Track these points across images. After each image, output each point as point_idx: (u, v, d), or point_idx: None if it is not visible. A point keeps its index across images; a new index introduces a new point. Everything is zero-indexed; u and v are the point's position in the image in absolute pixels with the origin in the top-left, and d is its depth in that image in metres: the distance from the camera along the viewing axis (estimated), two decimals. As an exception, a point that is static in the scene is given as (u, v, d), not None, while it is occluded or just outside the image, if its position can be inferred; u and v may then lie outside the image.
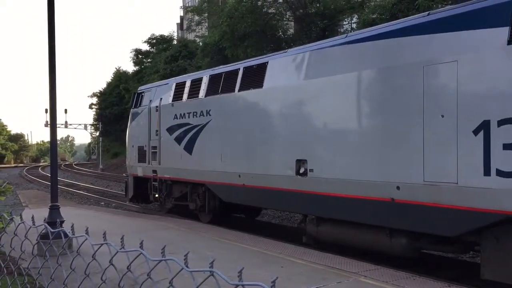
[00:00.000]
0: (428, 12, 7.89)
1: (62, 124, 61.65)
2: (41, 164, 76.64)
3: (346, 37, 9.10)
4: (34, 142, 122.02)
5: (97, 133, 61.21)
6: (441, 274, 8.07)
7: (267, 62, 10.54)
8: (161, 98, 14.22)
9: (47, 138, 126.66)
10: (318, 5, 23.29)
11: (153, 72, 36.21)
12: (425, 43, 7.34)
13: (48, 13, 8.67)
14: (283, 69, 10.12)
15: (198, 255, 7.73)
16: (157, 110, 14.27)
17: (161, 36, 43.37)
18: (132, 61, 46.75)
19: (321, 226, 9.18)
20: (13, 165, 77.10)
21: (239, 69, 11.30)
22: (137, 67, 46.89)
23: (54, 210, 8.51)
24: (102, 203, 19.37)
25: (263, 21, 23.22)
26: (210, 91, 12.11)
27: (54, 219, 8.21)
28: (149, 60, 44.62)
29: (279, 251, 8.55)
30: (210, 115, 12.01)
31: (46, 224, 2.93)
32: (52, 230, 2.83)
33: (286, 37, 24.91)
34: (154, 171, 14.31)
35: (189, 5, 48.70)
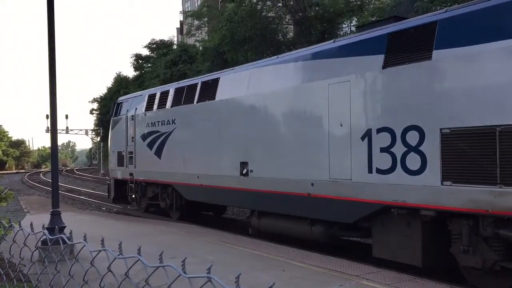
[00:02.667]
0: (334, 40, 9.70)
1: (63, 130, 61.76)
2: (42, 170, 76.68)
3: (277, 58, 10.73)
4: (35, 148, 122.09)
5: (98, 139, 61.25)
6: (442, 276, 8.05)
7: (219, 78, 12.14)
8: (136, 108, 15.87)
9: (48, 144, 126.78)
10: (317, 8, 23.33)
11: (154, 77, 36.25)
12: (330, 65, 9.00)
13: (48, 19, 8.69)
14: (230, 84, 11.69)
15: (199, 259, 7.72)
16: (132, 119, 15.92)
17: (161, 41, 43.44)
18: (132, 66, 46.81)
19: (262, 219, 10.70)
20: (15, 171, 77.12)
21: (198, 83, 12.96)
22: (137, 72, 46.93)
23: (55, 216, 8.50)
24: (104, 208, 19.36)
25: (263, 24, 23.25)
26: (175, 102, 13.72)
27: (55, 225, 8.20)
28: (149, 65, 44.66)
29: (281, 255, 8.54)
30: (175, 123, 13.64)
31: (45, 231, 2.93)
32: (50, 237, 2.82)
33: (285, 40, 24.94)
34: (131, 174, 15.87)
35: (189, 9, 48.81)
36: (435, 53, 7.16)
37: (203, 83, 12.71)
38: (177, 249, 8.69)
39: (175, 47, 42.42)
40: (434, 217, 7.09)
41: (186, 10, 51.53)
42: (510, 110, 6.16)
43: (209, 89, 12.30)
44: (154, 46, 43.46)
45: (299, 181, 9.30)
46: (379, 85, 7.95)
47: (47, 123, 47.48)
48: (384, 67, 7.84)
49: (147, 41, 55.00)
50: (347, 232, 9.25)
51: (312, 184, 9.01)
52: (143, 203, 15.87)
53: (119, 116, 17.09)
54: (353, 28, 23.27)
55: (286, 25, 25.83)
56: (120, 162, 16.66)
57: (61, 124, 63.49)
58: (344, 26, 24.02)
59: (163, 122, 14.20)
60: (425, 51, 7.32)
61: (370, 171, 7.94)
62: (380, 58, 7.95)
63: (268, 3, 24.72)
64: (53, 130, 8.96)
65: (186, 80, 14.92)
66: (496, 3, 6.64)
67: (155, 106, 14.77)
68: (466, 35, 6.90)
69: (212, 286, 1.56)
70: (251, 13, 22.77)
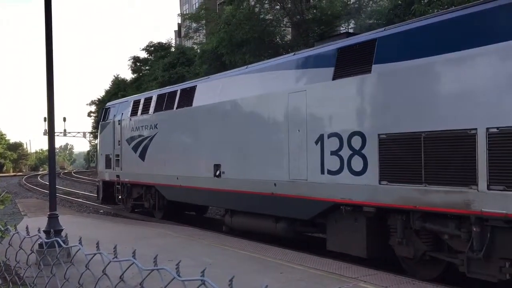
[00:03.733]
0: (294, 52, 10.74)
1: (60, 133, 61.72)
2: (40, 172, 76.50)
3: (246, 68, 11.67)
4: (33, 150, 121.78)
5: (96, 141, 61.19)
6: (440, 279, 8.05)
7: (196, 86, 13.06)
8: (122, 113, 16.84)
9: (46, 146, 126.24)
10: (315, 11, 23.35)
11: (152, 80, 36.18)
12: (289, 76, 9.90)
13: (46, 21, 8.69)
14: (206, 91, 12.59)
15: (196, 261, 7.72)
16: (119, 124, 16.88)
17: (159, 43, 43.38)
18: (130, 68, 46.73)
19: (234, 217, 11.52)
20: (12, 174, 76.92)
21: (178, 90, 13.91)
22: (135, 75, 46.86)
23: (53, 219, 8.49)
24: (101, 211, 19.33)
25: (261, 27, 23.27)
26: (157, 108, 14.66)
27: (52, 228, 8.19)
28: (147, 67, 44.59)
29: (278, 257, 8.54)
30: (157, 128, 14.56)
31: (39, 234, 2.92)
32: (46, 240, 2.82)
33: (283, 43, 24.96)
34: (118, 176, 16.82)
35: (187, 12, 48.85)
36: (374, 67, 8.03)
37: (182, 90, 13.66)
38: (175, 252, 8.68)
39: (173, 49, 42.39)
40: (375, 213, 7.95)
41: (184, 12, 51.55)
42: (431, 118, 7.07)
43: (187, 96, 13.22)
44: (152, 48, 43.40)
45: (264, 182, 10.17)
46: (329, 95, 8.86)
47: (45, 125, 47.40)
48: (333, 78, 8.76)
49: (145, 44, 54.97)
50: (306, 228, 10.00)
51: (275, 184, 9.89)
52: (129, 204, 16.77)
53: (107, 121, 18.02)
54: (350, 31, 23.31)
55: (284, 28, 25.85)
56: (108, 165, 17.55)
57: (58, 126, 63.28)
58: (341, 29, 24.05)
59: (146, 127, 15.15)
60: (366, 65, 8.18)
61: (322, 172, 8.85)
62: (330, 71, 8.86)
63: (266, 5, 24.74)
64: (50, 133, 8.95)
65: (167, 87, 15.97)
66: (417, 25, 7.73)
67: (139, 112, 15.69)
68: (398, 52, 7.84)
69: (207, 289, 1.56)
70: (249, 16, 22.78)
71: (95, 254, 2.18)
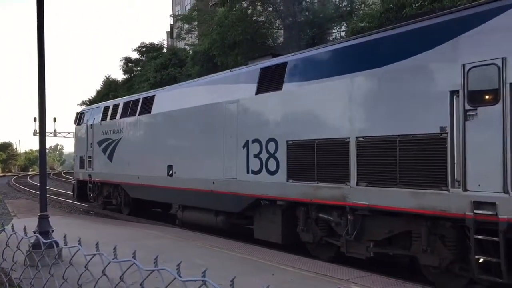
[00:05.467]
0: (230, 69, 12.41)
1: (51, 133, 61.12)
2: (29, 173, 75.83)
3: (195, 81, 13.41)
4: (22, 151, 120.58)
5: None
6: (431, 281, 8.11)
7: (155, 95, 14.86)
8: (94, 118, 18.50)
9: (35, 146, 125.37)
10: (307, 13, 23.43)
11: (143, 80, 35.99)
12: (226, 89, 11.47)
13: (38, 20, 8.65)
14: (162, 100, 14.26)
15: (189, 263, 7.71)
16: (91, 128, 18.56)
17: (151, 44, 43.20)
18: (121, 69, 46.45)
19: (185, 212, 13.05)
20: (1, 174, 76.18)
21: (140, 98, 15.59)
22: (126, 76, 46.61)
23: (44, 220, 8.43)
24: (92, 212, 19.22)
25: (253, 29, 23.30)
26: (123, 114, 16.27)
27: (43, 228, 8.13)
28: (139, 68, 44.39)
29: (270, 259, 8.56)
30: (122, 132, 16.21)
31: (39, 235, 2.92)
32: (44, 241, 2.82)
33: (276, 45, 25.01)
34: (89, 175, 18.53)
35: (179, 13, 48.72)
36: (284, 85, 9.71)
37: (144, 98, 15.37)
38: (166, 253, 8.65)
39: (165, 50, 42.26)
40: (287, 206, 9.62)
41: (177, 13, 51.41)
42: (321, 129, 8.79)
43: (147, 104, 14.86)
44: (144, 49, 43.22)
45: (205, 180, 11.72)
46: (253, 107, 10.52)
47: (35, 125, 47.09)
48: (256, 93, 10.40)
49: (137, 44, 54.70)
50: (240, 220, 11.36)
51: (213, 182, 11.46)
52: (100, 201, 18.40)
53: (81, 125, 19.76)
54: (342, 34, 23.42)
55: (276, 30, 25.90)
56: (82, 165, 19.32)
57: (49, 127, 62.79)
58: (334, 31, 24.17)
59: (114, 131, 16.78)
60: (279, 83, 9.84)
61: (248, 172, 10.47)
62: (254, 86, 10.48)
63: (259, 7, 24.78)
64: (41, 133, 8.90)
65: (132, 95, 17.87)
66: (312, 53, 9.50)
67: (108, 117, 17.36)
68: (300, 74, 9.52)
69: (207, 289, 1.58)
70: (241, 18, 22.80)
71: (95, 254, 2.18)
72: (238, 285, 1.56)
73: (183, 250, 9.47)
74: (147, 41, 51.98)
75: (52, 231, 8.28)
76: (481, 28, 6.62)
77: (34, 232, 7.49)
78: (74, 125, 20.61)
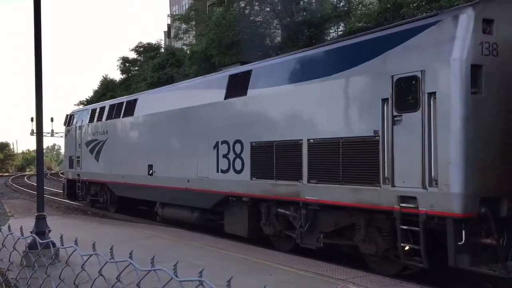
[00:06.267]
0: (203, 75, 13.82)
1: (48, 133, 60.85)
2: (26, 173, 75.64)
3: (173, 86, 14.81)
4: (19, 151, 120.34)
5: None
6: (428, 280, 8.13)
7: (138, 98, 15.81)
8: (82, 120, 19.45)
9: (32, 147, 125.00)
10: (305, 13, 23.41)
11: (141, 80, 35.91)
12: (200, 94, 12.29)
13: (35, 20, 8.62)
14: (144, 103, 15.18)
15: (186, 263, 7.69)
16: (80, 129, 19.51)
17: (149, 44, 43.13)
18: (119, 69, 46.35)
19: (164, 209, 13.81)
20: (-2, 174, 75.90)
21: (124, 101, 16.53)
22: (124, 75, 46.50)
23: (41, 220, 8.41)
24: (89, 212, 19.19)
25: (251, 29, 23.28)
26: (109, 116, 17.15)
27: (40, 229, 8.11)
28: (136, 68, 44.28)
29: (268, 259, 8.55)
30: (108, 133, 17.04)
31: (35, 235, 2.91)
32: (40, 241, 2.80)
33: (273, 45, 24.99)
34: (78, 175, 19.45)
35: (177, 13, 48.67)
36: (248, 91, 10.51)
37: (127, 101, 16.31)
38: (163, 253, 8.64)
39: (162, 50, 42.18)
40: (252, 202, 10.40)
41: (174, 13, 51.36)
42: (279, 131, 9.62)
43: (131, 107, 15.74)
44: (141, 49, 43.13)
45: (182, 179, 12.50)
46: (222, 111, 11.31)
47: (32, 125, 46.86)
48: (225, 98, 11.21)
49: (134, 44, 54.42)
50: (213, 216, 12.00)
51: (188, 181, 12.26)
52: (88, 199, 19.25)
53: (70, 126, 20.66)
54: (340, 33, 23.40)
55: (274, 30, 25.88)
56: (71, 165, 20.25)
57: (46, 127, 62.53)
58: (331, 31, 24.16)
59: (100, 132, 17.64)
60: (244, 89, 10.64)
61: (218, 171, 11.27)
62: (224, 92, 11.28)
63: (256, 7, 24.75)
64: (38, 134, 8.88)
65: (118, 98, 18.90)
66: (272, 62, 10.53)
67: (95, 119, 18.23)
68: (261, 81, 10.34)
69: (204, 289, 1.57)
70: (239, 18, 22.77)
71: (91, 255, 2.17)
72: (236, 285, 1.55)
73: (181, 250, 9.46)
74: (145, 41, 51.83)
75: (49, 231, 8.27)
76: (406, 44, 7.56)
77: (31, 233, 7.48)
78: (64, 126, 21.63)
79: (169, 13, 60.50)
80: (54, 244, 2.71)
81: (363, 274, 7.47)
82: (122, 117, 16.08)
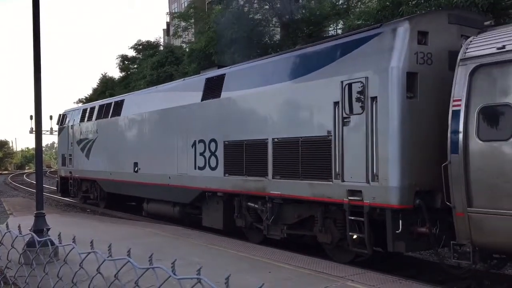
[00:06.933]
0: (183, 78, 14.84)
1: (47, 131, 60.77)
2: (26, 171, 75.60)
3: (156, 88, 15.62)
4: (18, 149, 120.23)
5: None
6: (426, 277, 8.15)
7: (124, 99, 16.79)
8: (74, 119, 20.42)
9: (32, 145, 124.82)
10: (304, 11, 23.37)
11: (140, 78, 35.83)
12: (180, 95, 13.14)
13: (33, 18, 8.61)
14: (130, 104, 16.17)
15: (185, 261, 7.71)
16: (72, 128, 20.47)
17: (148, 42, 43.01)
18: (118, 67, 46.24)
19: (149, 204, 14.71)
20: (-3, 172, 75.79)
21: (112, 102, 17.55)
22: (123, 73, 46.39)
23: (40, 218, 8.41)
24: (88, 210, 19.19)
25: (250, 27, 23.22)
26: (98, 116, 18.09)
27: (39, 227, 8.12)
28: (135, 66, 44.17)
29: (267, 256, 8.57)
30: (97, 133, 17.98)
31: (33, 233, 2.91)
32: (38, 239, 2.81)
33: (272, 43, 24.95)
34: (70, 172, 20.38)
35: (176, 11, 48.56)
36: (222, 93, 11.30)
37: (115, 102, 17.25)
38: (162, 251, 8.65)
39: (161, 48, 42.09)
40: (226, 197, 11.13)
41: (173, 11, 51.27)
42: (248, 131, 10.35)
43: (118, 107, 16.63)
44: (140, 47, 43.02)
45: (164, 175, 13.29)
46: (199, 112, 12.09)
47: (31, 123, 46.75)
48: (202, 100, 12.02)
49: (133, 42, 54.21)
50: (193, 211, 12.77)
51: (169, 177, 13.02)
52: (79, 195, 20.27)
53: (63, 125, 21.68)
54: (339, 31, 23.38)
55: (273, 28, 25.84)
56: (63, 163, 21.28)
57: (45, 125, 62.39)
58: (330, 29, 24.12)
59: (90, 131, 18.56)
60: (218, 92, 11.42)
61: (195, 168, 12.02)
62: (201, 94, 12.09)
63: (255, 5, 24.69)
64: (37, 132, 8.87)
65: (107, 99, 20.06)
66: (242, 67, 11.34)
67: (86, 119, 19.21)
68: (233, 84, 11.10)
69: (202, 287, 1.57)
70: (238, 15, 22.72)
71: (89, 253, 2.18)
72: (235, 283, 1.55)
73: (180, 248, 9.48)
74: (144, 38, 51.70)
75: (48, 229, 8.27)
76: (353, 53, 8.37)
77: (30, 230, 7.48)
78: (57, 125, 22.80)
79: (168, 11, 60.39)
80: (52, 242, 2.72)
81: (362, 271, 7.49)
82: (110, 117, 17.01)
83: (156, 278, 1.81)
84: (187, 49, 31.89)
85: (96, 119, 18.22)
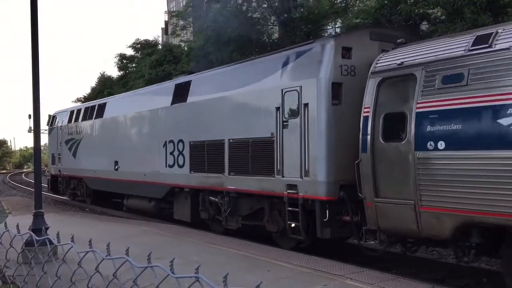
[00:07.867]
0: (158, 84, 16.41)
1: (45, 130, 60.77)
2: (24, 170, 75.52)
3: (135, 92, 17.32)
4: (17, 148, 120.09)
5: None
6: (425, 275, 8.17)
7: (107, 102, 18.23)
8: (63, 120, 21.80)
9: (30, 144, 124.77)
10: (302, 10, 23.34)
11: (138, 77, 35.75)
12: (154, 99, 14.41)
13: (31, 17, 8.60)
14: (112, 106, 17.46)
15: (185, 260, 7.71)
16: (60, 129, 21.82)
17: (146, 40, 42.94)
18: (116, 66, 46.14)
19: (129, 200, 15.84)
20: (-4, 171, 75.70)
21: (96, 105, 18.86)
22: (121, 72, 46.31)
23: (39, 217, 8.41)
24: (87, 209, 19.18)
25: (248, 25, 23.19)
26: (84, 118, 19.43)
27: (38, 226, 8.11)
28: (133, 65, 44.08)
29: (266, 255, 8.57)
30: (83, 133, 19.30)
31: (31, 232, 2.91)
32: (37, 238, 2.81)
33: (271, 41, 24.93)
34: (59, 170, 21.70)
35: (174, 9, 48.50)
36: (188, 98, 12.49)
37: (99, 105, 18.53)
38: (162, 250, 8.65)
39: (160, 47, 42.04)
40: (192, 192, 12.16)
41: (171, 10, 51.20)
42: (209, 133, 11.47)
43: (101, 109, 17.89)
44: (138, 46, 42.95)
45: (140, 173, 14.48)
46: (169, 115, 13.30)
47: (30, 122, 46.67)
48: (171, 104, 13.17)
49: (131, 41, 54.14)
50: (167, 205, 13.66)
51: (145, 175, 14.22)
52: (68, 192, 21.42)
53: (53, 126, 23.04)
54: (337, 30, 23.36)
55: (271, 26, 25.81)
56: (53, 161, 22.53)
57: (43, 124, 62.19)
58: (328, 28, 24.11)
59: (76, 132, 19.89)
60: (185, 96, 12.60)
61: (166, 166, 13.14)
62: (171, 98, 13.22)
63: (254, 4, 24.65)
64: (36, 131, 8.86)
65: (92, 101, 21.67)
66: (205, 74, 12.63)
67: (73, 120, 20.51)
68: (197, 90, 12.29)
69: (200, 286, 1.57)
70: (236, 14, 22.68)
71: (87, 252, 2.18)
72: (234, 282, 1.55)
73: (179, 247, 9.48)
74: (142, 37, 51.64)
75: (47, 228, 8.25)
76: (292, 64, 9.54)
77: (29, 230, 7.47)
78: (47, 126, 24.00)
79: (166, 10, 60.28)
80: (51, 241, 2.71)
81: (360, 270, 7.50)
82: (94, 119, 18.34)
83: (154, 277, 1.81)
84: (186, 48, 31.84)
85: (82, 121, 19.52)
